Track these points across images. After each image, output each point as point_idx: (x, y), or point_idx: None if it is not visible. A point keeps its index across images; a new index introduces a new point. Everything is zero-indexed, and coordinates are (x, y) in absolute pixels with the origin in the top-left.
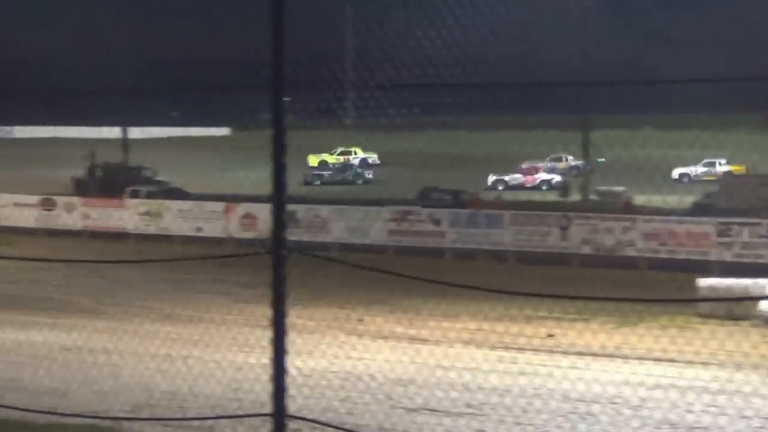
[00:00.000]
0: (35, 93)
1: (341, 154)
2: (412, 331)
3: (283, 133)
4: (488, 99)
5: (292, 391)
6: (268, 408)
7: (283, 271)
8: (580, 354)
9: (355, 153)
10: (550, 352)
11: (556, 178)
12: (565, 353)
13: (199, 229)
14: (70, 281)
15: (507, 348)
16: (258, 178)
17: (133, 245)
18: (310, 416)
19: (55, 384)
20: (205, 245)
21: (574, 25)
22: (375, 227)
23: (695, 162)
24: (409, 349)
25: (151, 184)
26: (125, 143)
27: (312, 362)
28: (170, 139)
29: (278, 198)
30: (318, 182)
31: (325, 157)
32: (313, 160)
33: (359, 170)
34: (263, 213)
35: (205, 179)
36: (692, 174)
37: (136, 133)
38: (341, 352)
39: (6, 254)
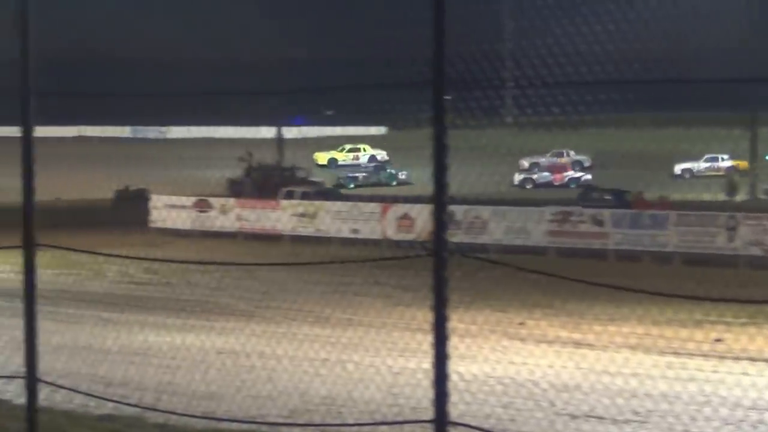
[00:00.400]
0: (189, 94)
1: (350, 151)
2: (576, 336)
3: (445, 132)
4: (654, 95)
5: (453, 396)
6: (428, 414)
7: (445, 273)
8: (752, 360)
9: (364, 150)
10: (721, 357)
11: (585, 176)
12: (737, 359)
13: (355, 231)
14: (225, 284)
15: (676, 353)
16: (416, 178)
17: (288, 247)
18: (472, 423)
19: (211, 388)
20: (361, 247)
21: (739, 17)
22: (535, 228)
23: (697, 158)
24: (573, 354)
25: (306, 184)
26: (280, 143)
27: (473, 367)
28: (326, 139)
29: (440, 199)
30: (352, 185)
31: (335, 154)
32: (322, 158)
33: (393, 171)
34: (420, 214)
35: None
36: (695, 170)
37: (292, 132)
38: (503, 357)
39: (161, 256)
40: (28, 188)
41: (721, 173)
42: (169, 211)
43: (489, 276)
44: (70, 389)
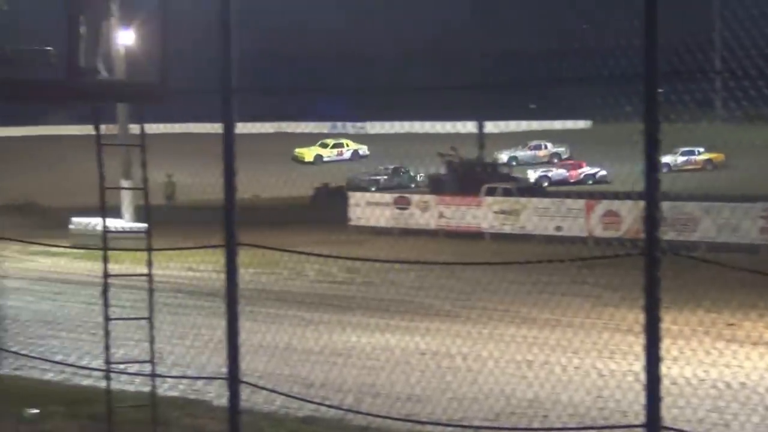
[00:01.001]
0: (388, 89)
1: (334, 147)
2: None
3: (657, 127)
4: None
5: (665, 400)
6: (639, 418)
7: (658, 274)
8: None
9: (347, 145)
10: None
11: (601, 171)
12: None
13: (558, 228)
14: (428, 283)
15: None
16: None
17: (490, 245)
18: (686, 428)
19: (414, 390)
20: (564, 245)
21: None
22: (748, 225)
23: (673, 151)
24: None
25: (508, 180)
26: (481, 138)
27: (685, 370)
28: (527, 134)
29: (651, 196)
30: (374, 188)
31: (319, 150)
32: (308, 155)
33: (411, 174)
34: (627, 211)
35: None
36: (672, 164)
37: (499, 127)
38: (717, 360)
39: (361, 255)
40: (229, 186)
41: (698, 167)
42: (368, 208)
43: (701, 275)
44: (271, 390)
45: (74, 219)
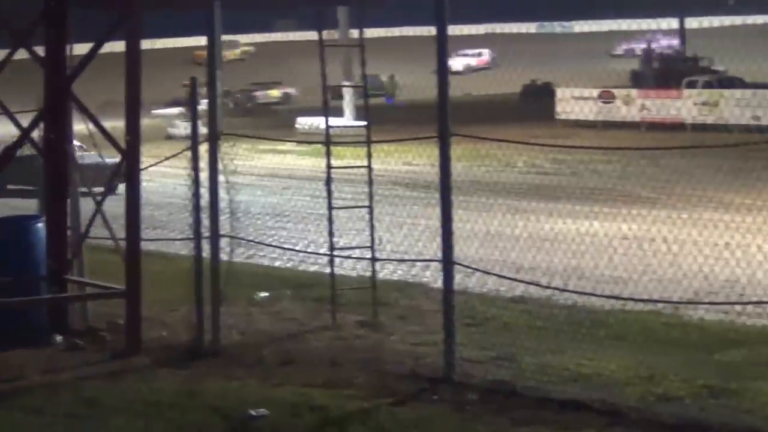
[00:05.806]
0: None
1: None
2: None
3: None
4: None
5: None
6: None
7: None
8: None
9: None
10: None
11: None
12: None
13: (756, 118)
14: (629, 172)
15: None
16: None
17: (690, 136)
18: None
19: (616, 272)
20: (762, 133)
21: None
22: None
23: None
24: None
25: (708, 73)
26: (682, 33)
27: None
28: (730, 28)
29: None
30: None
31: None
32: None
33: None
34: None
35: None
36: None
37: (694, 23)
38: None
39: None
40: (443, 82)
41: None
42: (574, 103)
43: None
44: (483, 272)
45: (299, 119)
